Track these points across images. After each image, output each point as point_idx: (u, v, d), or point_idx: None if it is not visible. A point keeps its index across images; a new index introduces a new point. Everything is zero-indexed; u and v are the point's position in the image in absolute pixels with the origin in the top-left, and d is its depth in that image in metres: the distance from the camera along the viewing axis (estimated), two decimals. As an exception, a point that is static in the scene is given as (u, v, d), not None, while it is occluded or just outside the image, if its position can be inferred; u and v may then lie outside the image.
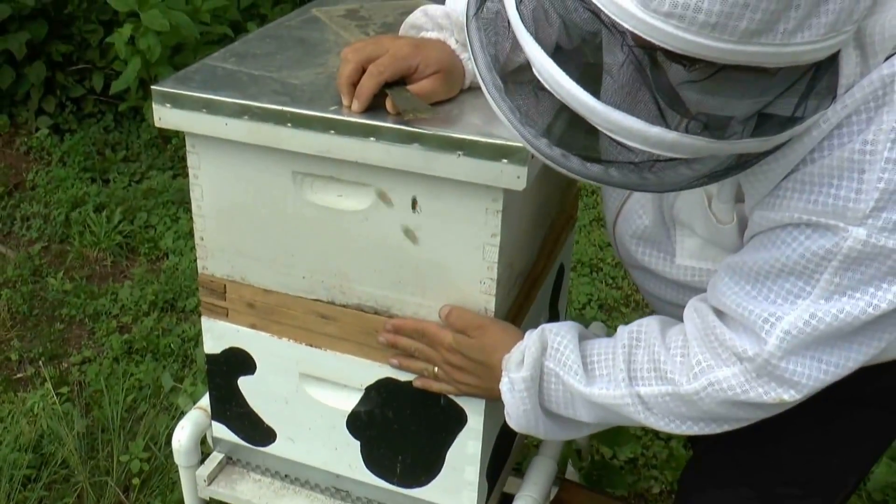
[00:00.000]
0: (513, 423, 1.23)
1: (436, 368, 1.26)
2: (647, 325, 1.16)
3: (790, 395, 1.04)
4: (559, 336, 1.18)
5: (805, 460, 1.31)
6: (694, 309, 1.12)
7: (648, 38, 0.80)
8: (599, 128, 0.87)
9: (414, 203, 1.17)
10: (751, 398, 1.05)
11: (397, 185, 1.17)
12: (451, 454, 1.32)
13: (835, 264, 0.96)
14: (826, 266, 0.97)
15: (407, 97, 1.12)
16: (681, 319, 1.31)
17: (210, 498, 1.51)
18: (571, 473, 2.08)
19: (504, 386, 1.20)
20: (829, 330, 0.99)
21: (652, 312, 1.26)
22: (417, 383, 1.29)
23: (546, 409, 1.21)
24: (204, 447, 1.51)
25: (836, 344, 1.01)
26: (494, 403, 1.31)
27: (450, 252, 1.19)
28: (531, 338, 1.19)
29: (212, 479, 1.49)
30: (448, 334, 1.23)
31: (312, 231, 1.25)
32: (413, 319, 1.25)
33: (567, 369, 1.16)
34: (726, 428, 1.12)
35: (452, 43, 1.19)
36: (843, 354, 1.02)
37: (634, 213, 1.26)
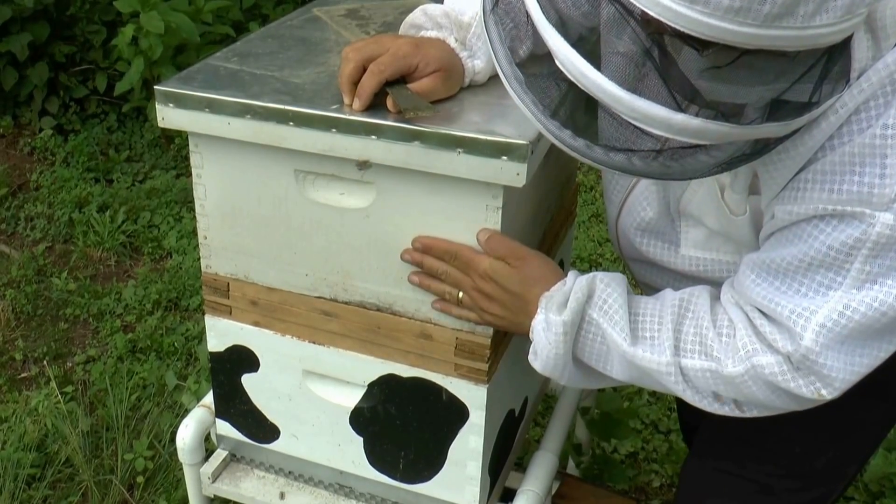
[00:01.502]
0: (538, 364, 1.19)
1: (460, 294, 1.20)
2: (699, 297, 1.13)
3: (828, 392, 1.04)
4: (609, 287, 1.15)
5: (804, 452, 1.32)
6: (733, 299, 1.11)
7: (674, 25, 0.81)
8: (624, 117, 0.88)
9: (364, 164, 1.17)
10: (791, 388, 1.05)
11: (397, 183, 1.18)
12: (454, 449, 1.33)
13: (864, 252, 0.97)
14: (856, 255, 0.97)
15: (407, 95, 1.13)
16: None
17: (214, 495, 1.52)
18: (573, 468, 2.09)
19: (539, 325, 1.16)
20: (865, 321, 0.99)
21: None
22: (437, 306, 1.23)
23: (576, 358, 1.18)
24: (208, 444, 1.52)
25: (870, 335, 1.01)
26: (495, 399, 1.32)
27: (451, 249, 1.20)
28: (579, 282, 1.15)
29: (216, 476, 1.50)
30: (484, 259, 1.17)
31: (315, 229, 1.26)
32: (445, 240, 1.19)
33: (613, 323, 1.13)
34: (755, 413, 1.12)
35: (452, 41, 1.19)
36: (877, 346, 1.02)
37: (638, 205, 1.27)
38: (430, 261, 1.20)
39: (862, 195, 0.95)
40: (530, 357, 1.20)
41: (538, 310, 1.17)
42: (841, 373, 1.02)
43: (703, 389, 1.12)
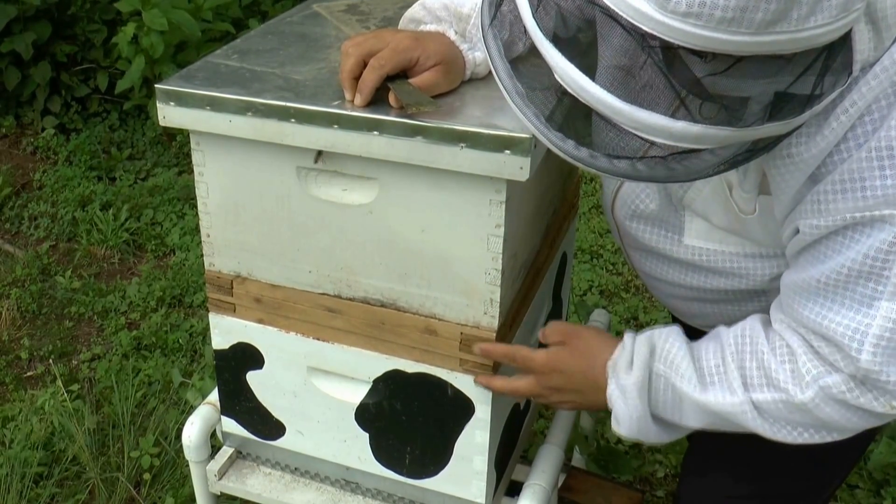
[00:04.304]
0: (623, 430, 1.20)
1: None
2: (752, 329, 1.13)
3: None
4: (668, 341, 1.16)
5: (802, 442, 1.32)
6: (785, 322, 1.11)
7: (668, 39, 0.81)
8: (625, 127, 0.88)
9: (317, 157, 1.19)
10: (862, 404, 1.04)
11: (400, 178, 1.17)
12: (460, 444, 1.33)
13: None
14: (893, 260, 0.96)
15: (409, 90, 1.13)
16: (683, 300, 1.31)
17: (221, 492, 1.52)
18: (578, 460, 2.09)
19: (614, 393, 1.18)
20: None
21: (652, 297, 1.27)
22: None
23: (653, 414, 1.19)
24: (214, 441, 1.52)
25: None
26: (499, 394, 1.32)
27: (454, 244, 1.19)
28: (639, 341, 1.17)
29: (222, 473, 1.50)
30: (540, 353, 1.22)
31: (318, 225, 1.26)
32: (501, 345, 1.24)
33: (680, 375, 1.14)
34: (836, 436, 1.10)
35: (451, 34, 1.19)
36: None
37: (635, 195, 1.27)
38: (500, 384, 1.25)
39: (888, 197, 0.94)
40: (613, 425, 1.21)
41: (608, 379, 1.19)
42: None
43: (778, 420, 1.11)
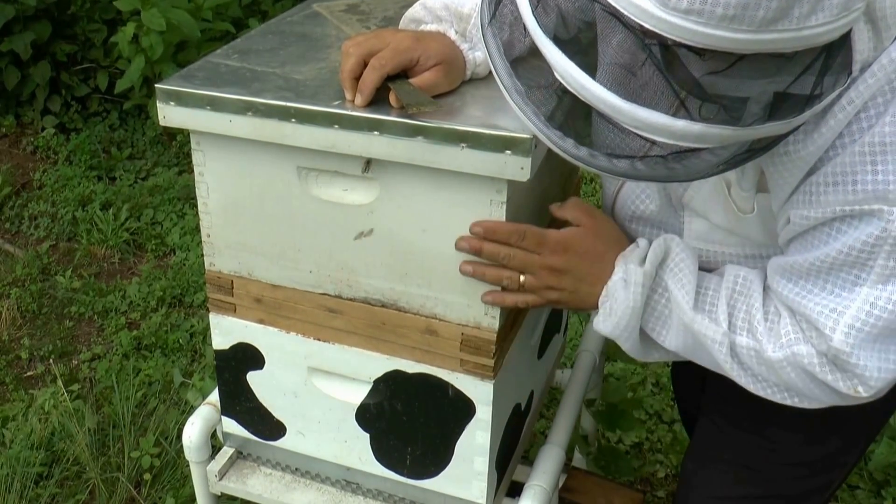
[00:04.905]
0: (610, 323, 1.17)
1: (521, 277, 1.17)
2: (752, 281, 1.14)
3: (865, 390, 1.04)
4: (683, 253, 1.16)
5: (804, 440, 1.32)
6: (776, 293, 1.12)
7: (669, 36, 0.81)
8: (626, 126, 0.88)
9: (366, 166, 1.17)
10: (828, 381, 1.05)
11: (401, 179, 1.17)
12: (461, 445, 1.33)
13: (887, 248, 0.97)
14: (878, 252, 0.98)
15: (410, 90, 1.13)
16: None
17: (221, 493, 1.52)
18: (578, 460, 2.09)
19: (618, 284, 1.16)
20: (893, 318, 0.99)
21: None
22: (488, 299, 1.19)
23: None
24: (214, 441, 1.52)
25: None
26: (501, 395, 1.32)
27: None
28: (657, 242, 1.17)
29: (223, 474, 1.50)
30: (554, 231, 1.18)
31: (318, 226, 1.25)
32: (509, 222, 1.16)
33: (681, 286, 1.14)
34: (796, 402, 1.12)
35: (452, 34, 1.19)
36: None
37: (636, 197, 1.27)
38: (492, 246, 1.16)
39: (878, 192, 0.95)
40: (600, 321, 1.18)
41: (615, 269, 1.17)
42: (875, 371, 1.02)
43: (748, 368, 1.12)
